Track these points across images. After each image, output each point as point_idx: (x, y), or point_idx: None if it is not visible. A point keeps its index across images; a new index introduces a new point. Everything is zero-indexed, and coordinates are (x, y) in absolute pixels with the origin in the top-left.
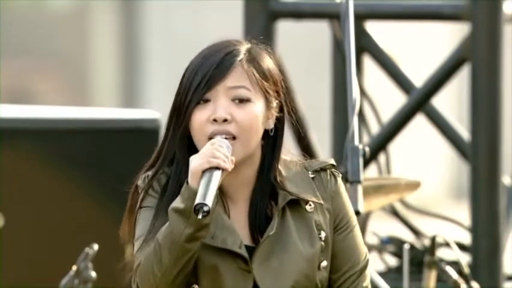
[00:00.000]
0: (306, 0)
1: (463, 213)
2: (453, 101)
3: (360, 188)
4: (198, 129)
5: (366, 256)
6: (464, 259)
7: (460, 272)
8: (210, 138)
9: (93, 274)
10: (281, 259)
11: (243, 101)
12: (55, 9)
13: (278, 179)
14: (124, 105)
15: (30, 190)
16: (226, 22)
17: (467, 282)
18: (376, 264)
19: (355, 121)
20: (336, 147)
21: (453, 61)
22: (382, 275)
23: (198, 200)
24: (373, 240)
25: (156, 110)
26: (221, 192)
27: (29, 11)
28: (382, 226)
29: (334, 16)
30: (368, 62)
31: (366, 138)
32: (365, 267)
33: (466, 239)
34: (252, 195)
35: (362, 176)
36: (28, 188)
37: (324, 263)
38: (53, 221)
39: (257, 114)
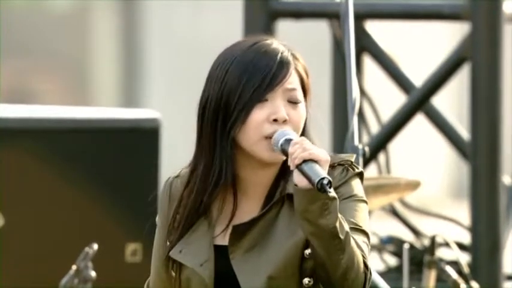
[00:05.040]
0: (305, 0)
1: (462, 212)
2: (453, 101)
3: None
4: (254, 128)
5: (359, 228)
6: (464, 259)
7: (460, 272)
8: (268, 137)
9: (93, 273)
10: (261, 251)
11: (296, 102)
12: (55, 9)
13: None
14: (124, 105)
15: (30, 190)
16: (226, 22)
17: (467, 282)
18: (376, 264)
19: (355, 121)
20: (335, 147)
21: (453, 60)
22: (382, 274)
23: (322, 175)
24: (372, 239)
25: (156, 109)
26: (236, 187)
27: (29, 11)
28: (382, 226)
29: (334, 16)
30: (368, 61)
31: (365, 138)
32: (358, 231)
33: (466, 238)
34: (268, 193)
35: None
36: (28, 187)
37: (309, 251)
38: (53, 220)
39: (305, 116)
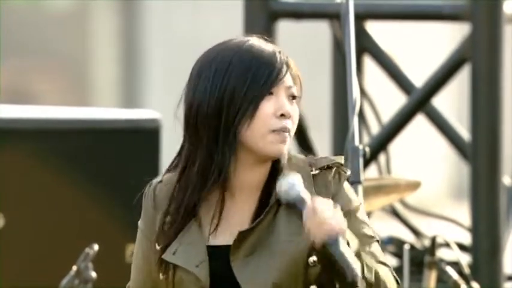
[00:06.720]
0: (306, 0)
1: (463, 213)
2: (453, 101)
3: (360, 189)
4: (263, 121)
5: (373, 238)
6: (465, 259)
7: (460, 272)
8: (274, 131)
9: (94, 274)
10: (261, 256)
11: (294, 98)
12: (55, 9)
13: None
14: (124, 105)
15: (30, 190)
16: (226, 22)
17: (467, 282)
18: None
19: (355, 121)
20: (336, 148)
21: (453, 61)
22: None
23: (356, 271)
24: None
25: (156, 110)
26: (225, 186)
27: (29, 11)
28: (382, 226)
29: (335, 16)
30: (368, 62)
31: (366, 139)
32: (373, 241)
33: (466, 239)
34: (261, 194)
35: (362, 177)
36: (28, 188)
37: (314, 258)
38: (53, 221)
39: (299, 113)
